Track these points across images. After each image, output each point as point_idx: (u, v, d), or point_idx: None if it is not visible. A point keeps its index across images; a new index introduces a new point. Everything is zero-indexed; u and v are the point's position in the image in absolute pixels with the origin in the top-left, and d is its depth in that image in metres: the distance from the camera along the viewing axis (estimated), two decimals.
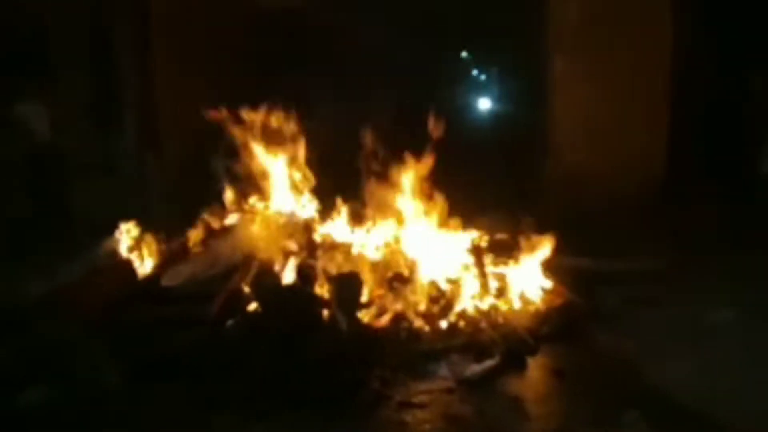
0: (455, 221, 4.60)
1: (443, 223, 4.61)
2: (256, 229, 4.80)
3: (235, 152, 8.69)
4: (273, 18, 11.69)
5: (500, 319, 3.91)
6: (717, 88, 6.69)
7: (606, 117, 6.80)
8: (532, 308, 4.06)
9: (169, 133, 8.68)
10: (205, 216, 5.24)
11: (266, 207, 5.20)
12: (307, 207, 5.15)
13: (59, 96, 7.83)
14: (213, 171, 9.07)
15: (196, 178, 8.92)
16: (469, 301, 4.03)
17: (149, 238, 4.77)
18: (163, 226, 5.31)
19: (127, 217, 5.48)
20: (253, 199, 5.34)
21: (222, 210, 5.41)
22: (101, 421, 3.12)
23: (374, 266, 4.17)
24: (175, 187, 8.43)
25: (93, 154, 8.48)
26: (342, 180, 5.21)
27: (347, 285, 3.86)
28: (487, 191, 6.36)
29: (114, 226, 5.23)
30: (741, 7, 6.52)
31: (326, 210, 5.23)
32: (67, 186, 7.73)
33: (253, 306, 4.02)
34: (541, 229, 4.50)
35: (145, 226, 5.05)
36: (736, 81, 6.61)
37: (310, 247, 4.44)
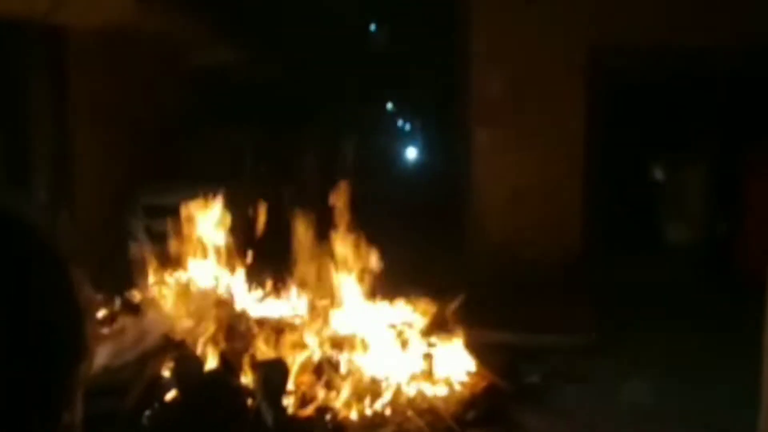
0: (384, 296, 4.62)
1: (371, 298, 4.63)
2: (174, 306, 4.64)
3: (153, 212, 8.49)
4: (196, 74, 11.60)
5: (425, 406, 3.92)
6: (625, 168, 7.13)
7: (526, 186, 7.10)
8: (457, 392, 4.09)
9: (84, 189, 8.36)
10: (122, 293, 5.02)
11: (186, 280, 5.03)
12: (230, 279, 5.02)
13: None
14: (130, 231, 8.80)
15: (111, 238, 8.62)
16: (394, 386, 4.02)
17: None
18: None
19: None
20: (171, 271, 5.15)
21: (140, 281, 5.21)
22: None
23: (300, 350, 4.10)
24: (89, 247, 8.07)
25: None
26: (267, 245, 5.15)
27: (273, 372, 3.78)
28: (412, 260, 6.40)
29: None
30: (646, 101, 7.04)
31: (252, 280, 5.13)
32: None
33: (171, 394, 3.85)
34: (467, 302, 4.60)
35: None
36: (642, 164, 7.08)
37: (232, 330, 4.32)
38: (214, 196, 5.29)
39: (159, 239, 7.94)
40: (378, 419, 3.81)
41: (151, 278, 5.05)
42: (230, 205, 5.33)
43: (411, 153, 17.35)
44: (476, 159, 7.51)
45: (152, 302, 4.79)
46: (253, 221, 5.39)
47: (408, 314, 4.69)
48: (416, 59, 16.27)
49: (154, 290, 4.94)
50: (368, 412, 3.84)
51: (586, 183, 7.27)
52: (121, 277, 6.78)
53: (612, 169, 7.12)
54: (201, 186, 5.70)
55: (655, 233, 6.90)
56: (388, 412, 3.84)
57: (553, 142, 7.12)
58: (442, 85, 13.21)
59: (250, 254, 5.13)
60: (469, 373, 4.23)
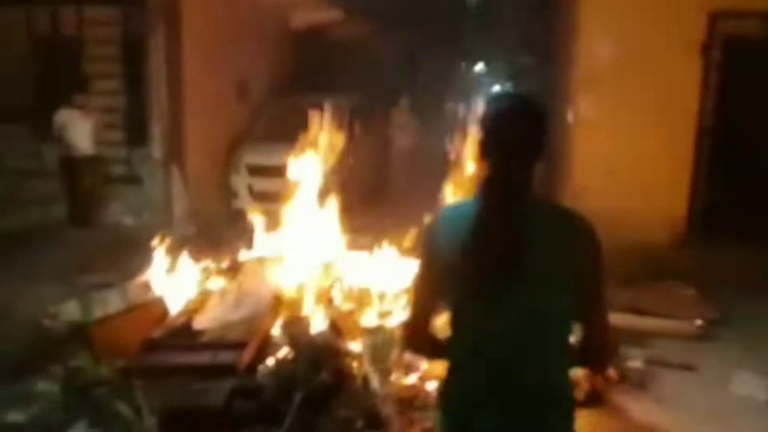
0: None
1: None
2: (281, 270, 4.83)
3: (256, 171, 8.81)
4: (299, 35, 11.74)
5: None
6: (743, 143, 6.69)
7: (631, 159, 6.83)
8: None
9: (193, 146, 8.78)
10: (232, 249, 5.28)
11: (295, 245, 5.21)
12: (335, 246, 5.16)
13: (94, 106, 7.95)
14: (233, 187, 9.20)
15: (216, 194, 9.06)
16: None
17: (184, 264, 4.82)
18: (188, 244, 5.38)
19: (152, 229, 5.58)
20: (280, 234, 5.33)
21: (247, 242, 5.45)
22: None
23: None
24: (197, 202, 8.53)
25: (121, 164, 8.61)
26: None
27: (379, 339, 3.90)
28: None
29: (140, 240, 5.33)
30: None
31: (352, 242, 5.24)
32: (98, 195, 7.87)
33: (282, 353, 4.06)
34: None
35: (173, 247, 5.09)
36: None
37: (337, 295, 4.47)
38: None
39: (261, 198, 8.29)
40: None
41: (259, 238, 5.27)
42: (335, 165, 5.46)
43: None
44: (577, 129, 7.29)
45: (261, 262, 5.01)
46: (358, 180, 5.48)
47: None
48: (516, 22, 15.78)
49: (262, 250, 5.17)
50: None
51: (697, 159, 6.91)
52: (225, 235, 7.20)
53: (728, 143, 6.71)
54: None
55: None
56: None
57: (664, 114, 6.78)
58: (541, 51, 12.79)
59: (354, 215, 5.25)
60: None
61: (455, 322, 1.74)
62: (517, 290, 1.61)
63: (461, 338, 1.73)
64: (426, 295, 1.81)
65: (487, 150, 1.69)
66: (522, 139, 1.67)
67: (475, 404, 1.69)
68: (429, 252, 1.76)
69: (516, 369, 1.65)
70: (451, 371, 1.78)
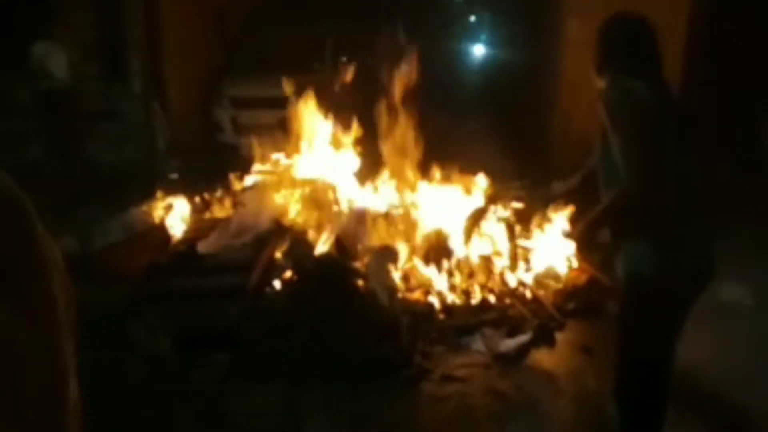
0: (487, 187, 4.70)
1: (467, 189, 4.72)
2: (282, 193, 4.84)
3: (239, 103, 8.65)
4: None
5: (528, 295, 4.07)
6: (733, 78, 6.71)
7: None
8: (558, 284, 4.22)
9: (173, 80, 8.56)
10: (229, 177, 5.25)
11: (290, 167, 5.19)
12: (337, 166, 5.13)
13: (69, 38, 7.63)
14: (216, 121, 9.04)
15: (199, 127, 8.90)
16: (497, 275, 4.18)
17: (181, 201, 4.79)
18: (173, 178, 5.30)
19: (134, 165, 5.47)
20: (276, 157, 5.31)
21: (243, 169, 5.42)
22: (159, 385, 3.24)
23: (409, 237, 4.27)
24: (180, 136, 8.38)
25: (100, 99, 8.36)
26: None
27: (384, 257, 3.97)
28: (491, 151, 6.40)
29: (125, 174, 5.24)
30: None
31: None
32: (78, 130, 7.67)
33: (287, 275, 4.12)
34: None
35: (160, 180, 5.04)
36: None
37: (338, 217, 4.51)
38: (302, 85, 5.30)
39: (244, 130, 8.17)
40: (482, 305, 3.99)
41: (256, 166, 5.25)
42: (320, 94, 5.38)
43: (485, 48, 16.65)
44: (566, 52, 7.25)
45: (258, 189, 5.01)
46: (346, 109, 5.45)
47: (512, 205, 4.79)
48: None
49: (259, 178, 5.16)
50: (474, 300, 4.01)
51: (686, 82, 6.94)
52: (211, 165, 7.12)
53: (718, 75, 6.72)
54: (285, 77, 5.70)
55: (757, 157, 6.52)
56: (492, 299, 4.02)
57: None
58: None
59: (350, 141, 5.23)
60: (570, 266, 4.33)
61: None
62: None
63: None
64: None
65: None
66: None
67: None
68: None
69: None
70: None
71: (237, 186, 5.26)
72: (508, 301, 4.02)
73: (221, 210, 4.93)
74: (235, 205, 4.82)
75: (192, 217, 4.77)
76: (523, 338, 3.65)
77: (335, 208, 4.60)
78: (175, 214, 4.67)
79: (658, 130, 2.08)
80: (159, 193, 4.84)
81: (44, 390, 0.64)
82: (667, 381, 2.34)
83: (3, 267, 0.62)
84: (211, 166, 7.26)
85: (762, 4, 6.59)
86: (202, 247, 4.25)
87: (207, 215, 4.81)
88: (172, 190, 5.10)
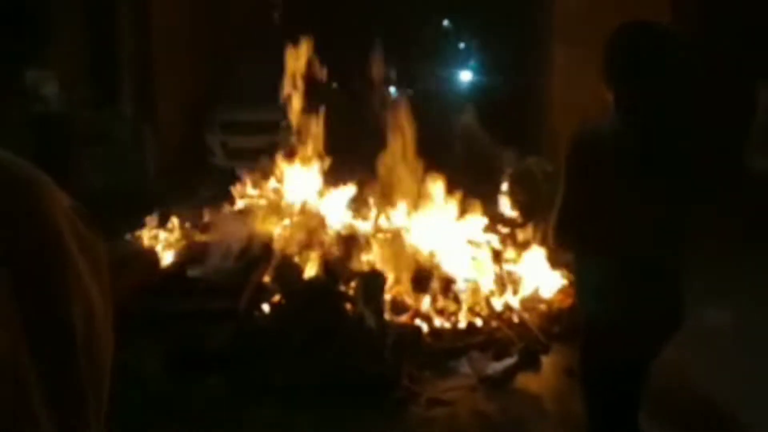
0: (473, 208, 4.76)
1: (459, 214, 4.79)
2: (269, 217, 4.89)
3: (229, 128, 8.72)
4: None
5: (514, 318, 4.12)
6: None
7: (605, 106, 6.96)
8: (543, 307, 4.27)
9: (164, 103, 8.63)
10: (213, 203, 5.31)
11: (277, 193, 5.27)
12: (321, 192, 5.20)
13: (61, 62, 7.69)
14: (208, 145, 9.10)
15: (190, 151, 8.95)
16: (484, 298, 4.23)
17: (172, 224, 4.83)
18: (163, 201, 5.33)
19: (123, 188, 5.49)
20: (263, 184, 5.39)
21: (229, 194, 5.48)
22: (146, 407, 3.24)
23: (396, 261, 4.32)
24: (171, 159, 8.43)
25: (89, 122, 8.41)
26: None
27: (372, 281, 4.02)
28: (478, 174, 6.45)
29: (112, 198, 5.28)
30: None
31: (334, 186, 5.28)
32: (69, 154, 7.69)
33: (276, 298, 4.15)
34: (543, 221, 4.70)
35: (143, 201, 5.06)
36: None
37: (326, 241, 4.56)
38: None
39: (235, 155, 8.24)
40: (469, 329, 4.03)
41: (247, 190, 5.31)
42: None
43: (471, 74, 16.86)
44: (555, 77, 7.40)
45: (247, 214, 5.06)
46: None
47: (497, 230, 4.86)
48: None
49: (248, 202, 5.21)
50: (461, 324, 4.06)
51: None
52: (202, 189, 7.16)
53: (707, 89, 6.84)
54: (273, 104, 5.78)
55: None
56: (479, 322, 4.06)
57: None
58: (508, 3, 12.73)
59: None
60: (555, 290, 4.39)
61: None
62: None
63: None
64: None
65: None
66: None
67: None
68: None
69: None
70: None
71: (227, 210, 5.30)
72: (494, 324, 4.07)
73: (211, 234, 4.96)
74: (224, 229, 4.86)
75: (182, 241, 4.81)
76: (510, 361, 3.69)
77: (323, 232, 4.65)
78: (164, 238, 4.70)
79: (608, 177, 1.90)
80: (149, 217, 4.87)
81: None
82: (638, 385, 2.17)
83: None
84: (201, 189, 7.32)
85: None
86: (192, 270, 4.29)
87: (197, 238, 4.85)
88: (162, 213, 5.13)
